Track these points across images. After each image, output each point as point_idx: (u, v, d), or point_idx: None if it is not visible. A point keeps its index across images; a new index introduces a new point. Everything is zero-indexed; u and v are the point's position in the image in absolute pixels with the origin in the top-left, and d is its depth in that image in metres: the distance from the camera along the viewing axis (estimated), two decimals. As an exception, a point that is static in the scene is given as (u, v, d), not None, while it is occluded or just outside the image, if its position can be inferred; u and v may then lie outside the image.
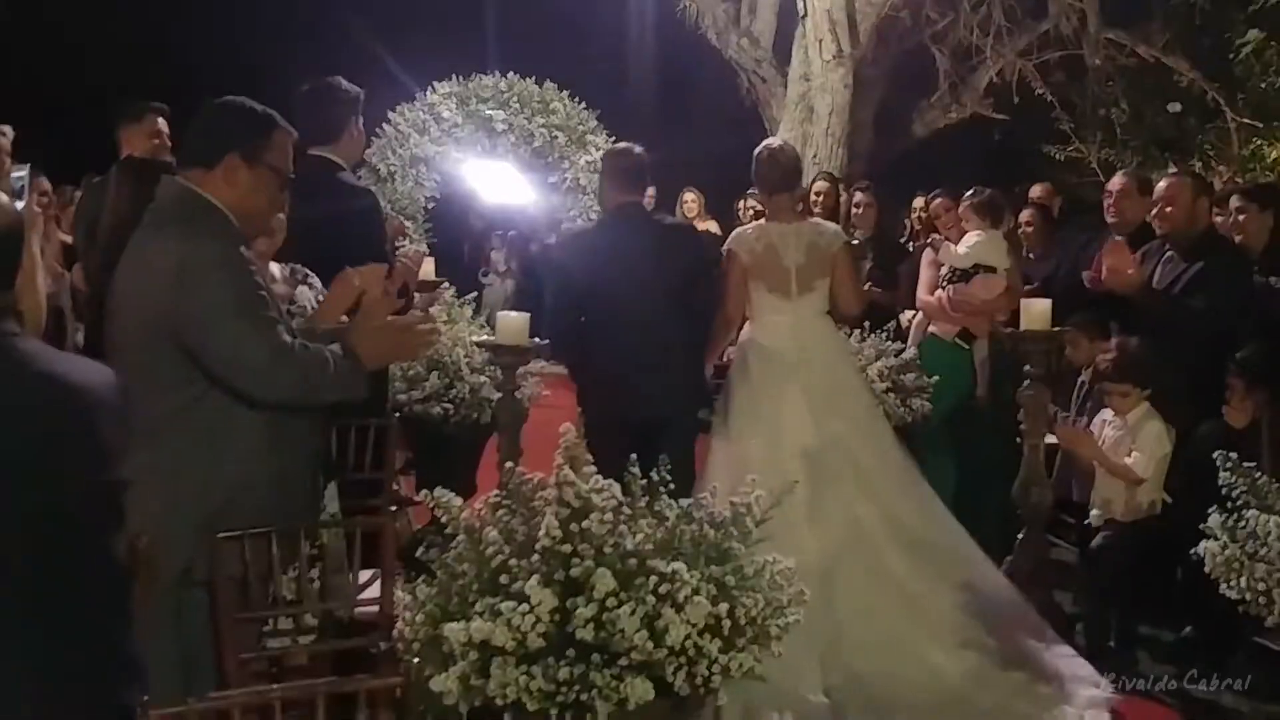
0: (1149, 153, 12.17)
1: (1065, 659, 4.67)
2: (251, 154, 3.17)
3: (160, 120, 6.04)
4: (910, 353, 6.74)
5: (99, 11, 14.10)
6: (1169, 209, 5.45)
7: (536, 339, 4.73)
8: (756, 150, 5.31)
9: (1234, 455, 3.57)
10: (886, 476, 4.97)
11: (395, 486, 7.21)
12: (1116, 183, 6.20)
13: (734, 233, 5.43)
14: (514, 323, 4.43)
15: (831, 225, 5.50)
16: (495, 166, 11.53)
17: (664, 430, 4.69)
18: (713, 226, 10.42)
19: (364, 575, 3.51)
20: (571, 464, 2.95)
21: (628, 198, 5.16)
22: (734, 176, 11.27)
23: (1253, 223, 5.66)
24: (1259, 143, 11.35)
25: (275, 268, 3.97)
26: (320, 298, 4.06)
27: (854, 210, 7.65)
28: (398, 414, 5.62)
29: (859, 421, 5.04)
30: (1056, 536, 6.27)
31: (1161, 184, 5.56)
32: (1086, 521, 5.12)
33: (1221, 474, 3.54)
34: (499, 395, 4.85)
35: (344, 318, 3.65)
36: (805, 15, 10.85)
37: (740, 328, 5.32)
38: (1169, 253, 5.50)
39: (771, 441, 4.83)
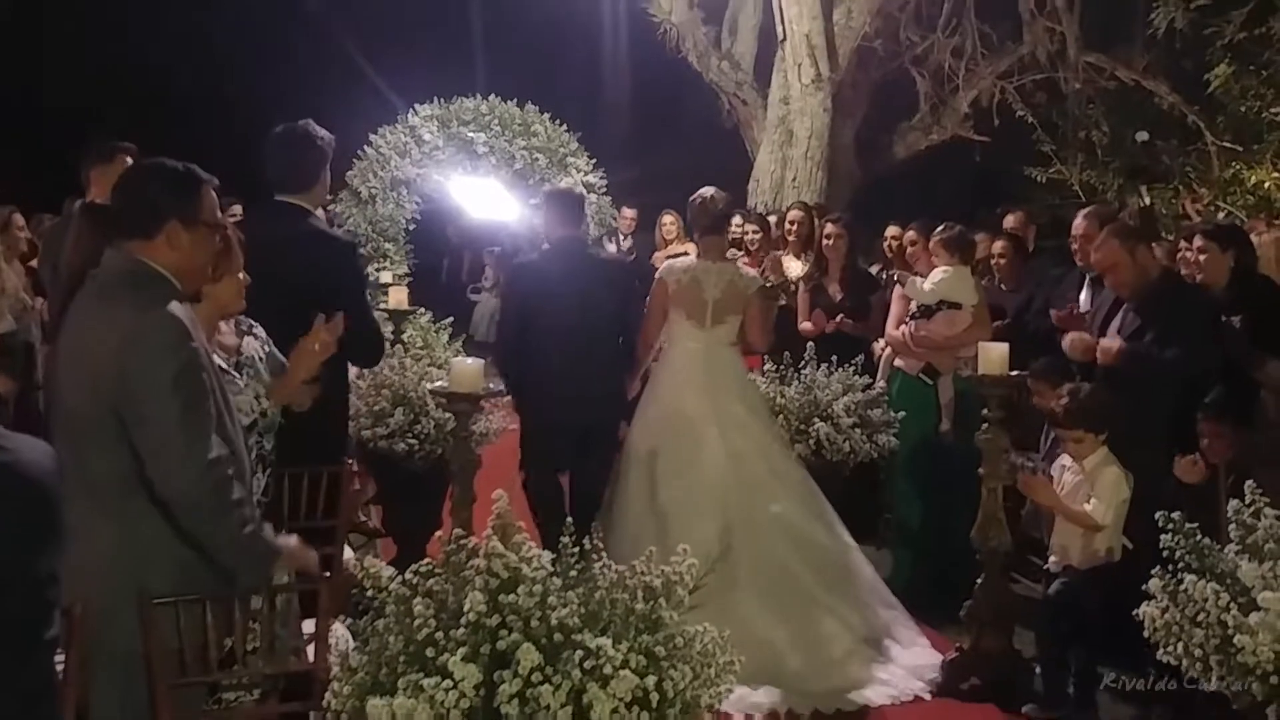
0: (1130, 175, 12.19)
1: (920, 649, 5.50)
2: (190, 217, 3.21)
3: (129, 160, 6.02)
4: (879, 386, 6.75)
5: (91, 32, 14.10)
6: (1110, 277, 5.44)
7: (491, 385, 4.73)
8: (691, 198, 5.89)
9: (1175, 515, 3.55)
10: (780, 482, 5.62)
11: (364, 518, 7.25)
12: (1078, 226, 6.19)
13: (665, 263, 6.02)
14: (468, 370, 4.41)
15: (751, 271, 6.11)
16: (477, 183, 11.51)
17: (592, 434, 5.69)
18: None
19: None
20: (501, 534, 2.95)
21: (568, 232, 5.91)
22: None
23: (1213, 262, 5.64)
24: (1238, 166, 11.36)
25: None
26: (266, 348, 4.06)
27: (824, 241, 7.65)
28: (349, 458, 5.64)
29: (758, 433, 5.71)
30: (1024, 575, 6.27)
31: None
32: (1046, 566, 5.11)
33: (1163, 537, 3.52)
34: (455, 440, 4.82)
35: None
36: (784, 40, 10.86)
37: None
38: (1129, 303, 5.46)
39: (683, 446, 5.53)
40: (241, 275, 3.77)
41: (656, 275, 5.82)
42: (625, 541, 5.11)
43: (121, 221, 3.22)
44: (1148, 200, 11.60)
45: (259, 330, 4.05)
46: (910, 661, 5.37)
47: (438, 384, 4.57)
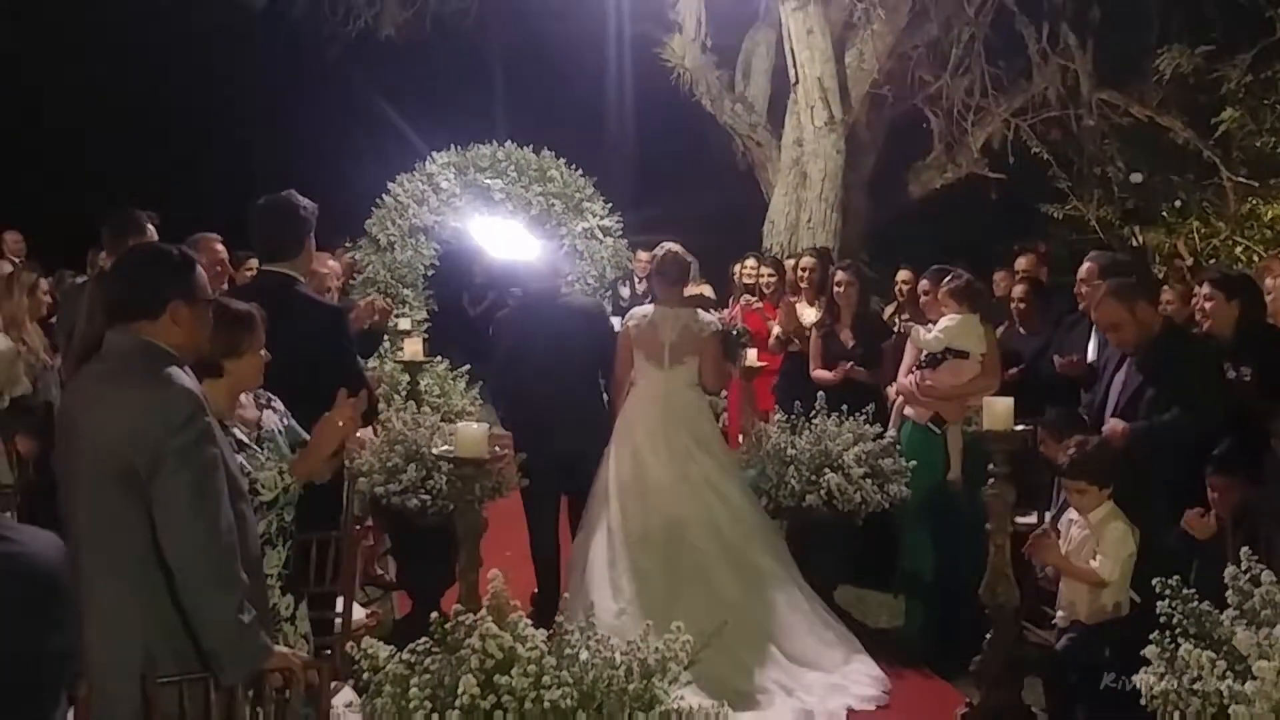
0: (1131, 213, 12.19)
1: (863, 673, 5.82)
2: (191, 295, 3.35)
3: (151, 227, 6.13)
4: (890, 435, 6.75)
5: (104, 78, 14.31)
6: (1113, 335, 5.44)
7: (498, 448, 4.78)
8: (658, 251, 6.57)
9: (1173, 581, 3.55)
10: (725, 505, 6.08)
11: (380, 571, 7.30)
12: (1084, 270, 6.21)
13: (630, 310, 6.68)
14: (472, 434, 4.45)
15: (709, 316, 6.62)
16: (500, 223, 11.58)
17: (576, 462, 6.29)
18: (707, 290, 10.43)
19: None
20: (497, 613, 2.99)
21: (545, 285, 6.89)
22: (729, 240, 11.36)
23: (1220, 311, 5.64)
24: (1255, 201, 11.31)
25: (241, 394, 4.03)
26: (285, 420, 4.13)
27: (835, 289, 7.67)
28: (359, 516, 5.71)
29: (707, 462, 6.15)
30: (1036, 626, 6.23)
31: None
32: (1054, 621, 5.10)
33: (1159, 604, 3.52)
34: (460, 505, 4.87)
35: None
36: (797, 83, 10.91)
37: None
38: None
39: (640, 476, 6.06)
40: (263, 352, 3.87)
41: (622, 321, 6.48)
42: (588, 558, 5.88)
43: (126, 305, 3.32)
44: (1140, 239, 11.59)
45: (278, 404, 4.12)
46: (831, 683, 5.64)
47: (443, 449, 4.60)
